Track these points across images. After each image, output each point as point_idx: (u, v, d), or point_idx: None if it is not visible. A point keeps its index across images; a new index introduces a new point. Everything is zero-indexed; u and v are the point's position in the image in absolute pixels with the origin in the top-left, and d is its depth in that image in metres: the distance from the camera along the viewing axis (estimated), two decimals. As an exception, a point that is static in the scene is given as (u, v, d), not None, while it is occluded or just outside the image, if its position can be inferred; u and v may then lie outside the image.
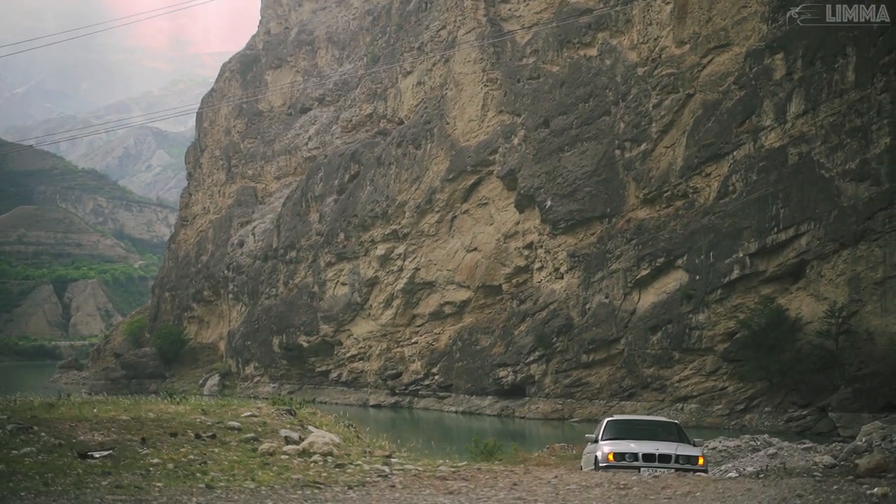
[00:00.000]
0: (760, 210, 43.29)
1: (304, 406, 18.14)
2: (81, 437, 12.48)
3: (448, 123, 62.88)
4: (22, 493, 9.28)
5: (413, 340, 63.61)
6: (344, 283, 68.70)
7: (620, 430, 19.19)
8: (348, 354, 67.98)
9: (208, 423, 14.32)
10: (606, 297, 49.82)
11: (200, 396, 66.05)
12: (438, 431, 44.76)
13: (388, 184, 66.27)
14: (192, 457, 11.84)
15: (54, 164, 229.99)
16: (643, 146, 49.28)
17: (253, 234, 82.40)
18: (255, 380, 76.52)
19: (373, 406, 62.67)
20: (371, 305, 66.34)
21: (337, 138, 76.99)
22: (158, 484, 9.87)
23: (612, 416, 21.06)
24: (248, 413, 15.52)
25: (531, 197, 55.41)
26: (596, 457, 17.77)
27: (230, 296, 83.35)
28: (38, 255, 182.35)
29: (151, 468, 10.91)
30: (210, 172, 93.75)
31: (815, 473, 16.24)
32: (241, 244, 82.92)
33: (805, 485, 11.23)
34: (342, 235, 68.96)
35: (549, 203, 53.83)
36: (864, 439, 17.87)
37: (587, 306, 50.79)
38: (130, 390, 76.77)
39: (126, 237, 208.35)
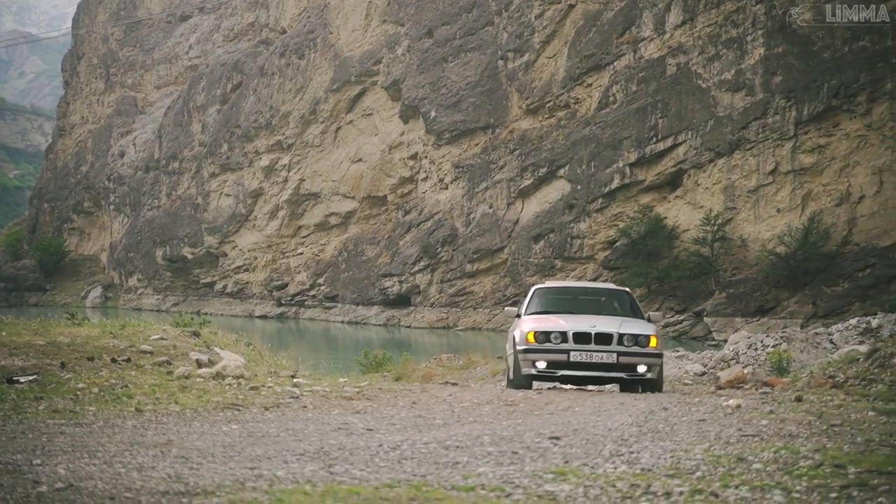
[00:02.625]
0: (640, 120, 44.10)
1: (204, 325, 18.55)
2: (2, 363, 12.79)
3: (331, 33, 62.41)
4: None
5: (298, 251, 63.73)
6: (228, 195, 68.28)
7: (551, 302, 15.33)
8: (233, 266, 67.83)
9: (121, 347, 14.69)
10: (490, 207, 50.46)
11: (84, 309, 65.40)
12: (325, 342, 45.01)
13: (271, 94, 65.71)
14: (113, 380, 12.30)
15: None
16: (526, 57, 49.64)
17: (134, 144, 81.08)
18: (139, 292, 75.95)
19: (258, 317, 62.71)
20: (256, 216, 66.16)
21: (219, 47, 75.87)
22: (90, 408, 10.32)
23: (542, 283, 16.83)
24: (157, 336, 15.97)
25: (415, 108, 55.53)
26: (514, 337, 14.27)
27: (111, 207, 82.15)
28: None
29: (78, 392, 11.37)
30: (88, 81, 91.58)
31: (685, 382, 17.16)
32: (122, 155, 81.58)
33: (671, 398, 12.19)
34: (226, 146, 68.34)
35: (433, 114, 54.04)
36: (731, 348, 18.74)
37: (471, 216, 51.40)
38: (10, 303, 75.64)
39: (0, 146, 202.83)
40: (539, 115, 49.21)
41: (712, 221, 40.93)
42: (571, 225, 46.41)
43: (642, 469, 6.78)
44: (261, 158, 65.51)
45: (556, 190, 47.60)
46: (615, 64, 45.75)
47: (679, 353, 20.62)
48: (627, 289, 16.32)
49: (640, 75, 44.48)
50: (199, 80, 73.74)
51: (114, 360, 13.51)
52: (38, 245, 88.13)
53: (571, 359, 13.47)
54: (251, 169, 66.33)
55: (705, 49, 42.25)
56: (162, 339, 15.64)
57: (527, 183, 48.56)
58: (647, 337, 13.55)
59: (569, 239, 46.49)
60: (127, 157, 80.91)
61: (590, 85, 46.96)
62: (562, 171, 47.28)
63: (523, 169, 48.75)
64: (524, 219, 48.78)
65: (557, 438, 8.17)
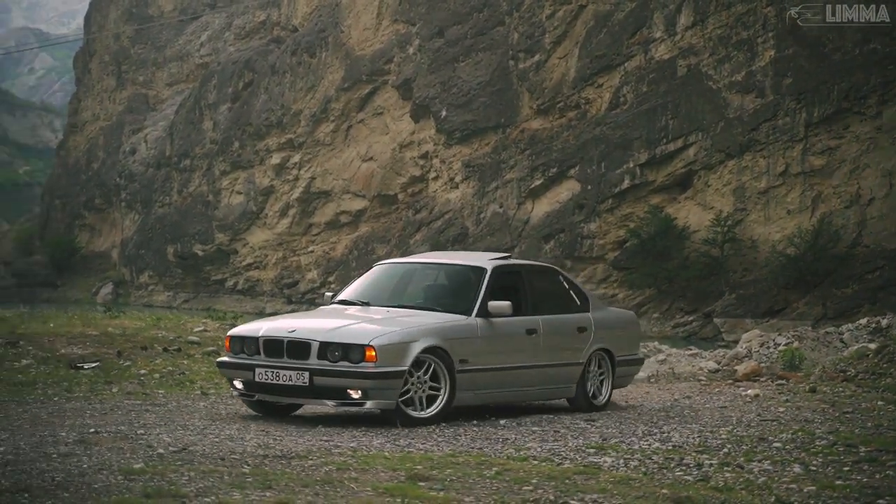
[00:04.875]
0: (650, 121, 44.42)
1: (238, 319, 19.68)
2: (63, 351, 13.52)
3: (343, 32, 62.77)
4: (55, 399, 10.39)
5: (309, 249, 64.07)
6: (239, 192, 68.61)
7: (375, 284, 11.50)
8: (244, 263, 68.19)
9: (170, 338, 15.57)
10: (500, 207, 50.79)
11: (94, 305, 65.88)
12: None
13: (282, 92, 66.08)
14: (169, 368, 13.14)
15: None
16: (537, 57, 49.96)
17: (145, 141, 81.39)
18: (150, 288, 76.33)
19: (270, 314, 62.91)
20: (267, 214, 66.49)
21: (230, 45, 76.26)
22: (160, 391, 11.13)
23: (391, 258, 14.43)
24: (199, 328, 16.81)
25: (426, 107, 55.88)
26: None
27: (123, 204, 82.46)
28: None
29: (142, 378, 12.17)
30: (100, 78, 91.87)
31: (700, 378, 17.53)
32: (134, 152, 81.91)
33: (692, 388, 12.76)
34: (237, 144, 68.68)
35: (443, 113, 54.38)
36: (744, 346, 19.08)
37: (482, 215, 51.74)
38: (21, 299, 75.71)
39: (10, 142, 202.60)
40: (550, 116, 49.52)
41: (722, 223, 41.22)
42: (581, 225, 46.70)
43: (674, 446, 7.57)
44: (272, 156, 65.86)
45: (567, 190, 47.90)
46: (626, 65, 46.07)
47: (692, 352, 21.07)
48: (491, 265, 11.04)
49: (651, 76, 44.81)
50: (211, 77, 74.12)
51: (165, 350, 14.33)
52: (49, 241, 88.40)
53: (257, 378, 9.86)
54: (262, 167, 66.66)
55: (716, 51, 42.57)
56: (205, 330, 16.37)
57: (537, 183, 48.86)
58: (362, 348, 9.48)
59: (579, 239, 46.80)
60: (138, 155, 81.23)
61: (600, 86, 47.27)
62: (572, 172, 47.58)
63: (533, 169, 49.06)
64: (534, 218, 49.08)
65: (592, 420, 9.02)
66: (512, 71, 51.40)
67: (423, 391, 9.70)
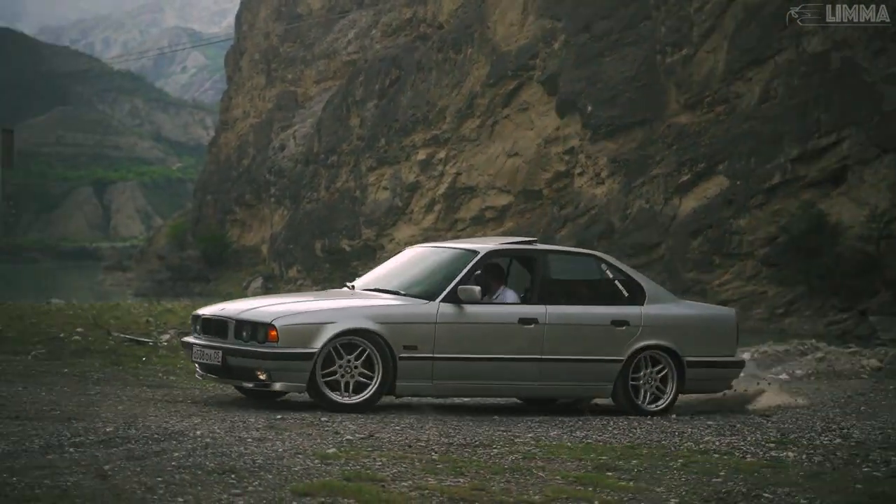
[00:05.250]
0: (802, 115, 43.48)
1: None
2: None
3: (488, 28, 62.94)
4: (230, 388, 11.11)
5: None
6: (385, 188, 69.41)
7: (388, 268, 11.44)
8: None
9: None
10: (647, 203, 50.31)
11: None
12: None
13: (428, 89, 66.60)
14: None
15: (90, 65, 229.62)
16: (684, 51, 49.35)
17: (294, 138, 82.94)
18: (299, 283, 77.66)
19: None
20: (412, 210, 67.13)
21: (377, 42, 77.17)
22: None
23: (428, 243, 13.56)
24: None
25: (572, 102, 55.68)
26: None
27: (272, 199, 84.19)
28: (77, 157, 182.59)
29: None
30: (250, 76, 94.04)
31: (862, 376, 17.27)
32: (283, 148, 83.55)
33: (864, 385, 12.79)
34: (383, 140, 69.49)
35: (589, 108, 54.11)
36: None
37: (627, 211, 51.33)
38: (175, 293, 78.27)
39: (163, 139, 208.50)
40: (697, 110, 48.87)
41: (878, 219, 40.14)
42: (730, 221, 45.95)
43: (856, 442, 7.58)
44: (418, 152, 66.45)
45: (715, 185, 47.20)
46: (776, 58, 45.19)
47: (851, 349, 20.81)
48: (485, 249, 10.64)
49: (803, 69, 43.84)
50: (358, 74, 75.14)
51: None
52: (202, 236, 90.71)
53: (193, 356, 10.17)
54: (408, 163, 67.31)
55: (871, 43, 41.43)
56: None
57: (685, 178, 48.26)
58: (266, 327, 9.31)
59: (727, 235, 46.08)
60: (287, 151, 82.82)
61: (750, 79, 46.45)
62: (720, 167, 46.89)
63: (681, 164, 48.48)
64: (682, 214, 48.49)
65: (768, 416, 9.06)
66: (659, 65, 50.86)
67: (352, 376, 9.48)
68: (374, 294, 10.45)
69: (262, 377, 9.42)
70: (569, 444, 7.83)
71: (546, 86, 59.90)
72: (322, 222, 76.11)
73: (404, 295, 10.09)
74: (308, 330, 9.27)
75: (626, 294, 10.41)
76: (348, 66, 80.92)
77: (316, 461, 6.65)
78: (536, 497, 5.83)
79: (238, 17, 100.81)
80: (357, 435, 7.76)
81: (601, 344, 10.20)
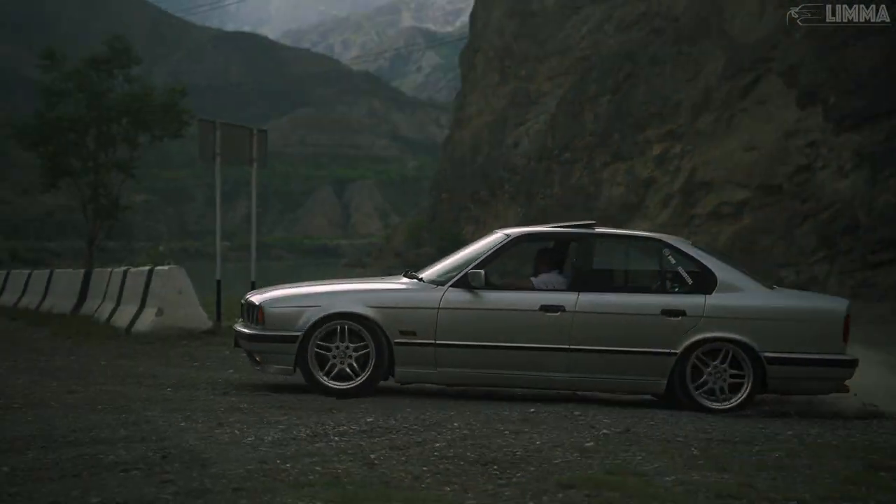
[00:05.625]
0: None
1: None
2: None
3: (725, 20, 61.76)
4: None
5: (692, 241, 63.54)
6: (619, 184, 69.06)
7: (462, 256, 10.39)
8: (625, 254, 68.48)
9: None
10: (895, 197, 48.34)
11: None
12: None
13: (662, 83, 65.91)
14: None
15: (330, 66, 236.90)
16: (935, 37, 47.18)
17: (527, 134, 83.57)
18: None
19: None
20: (648, 206, 66.53)
21: (610, 37, 76.91)
22: None
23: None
24: None
25: (813, 94, 53.99)
26: None
27: (506, 196, 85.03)
28: (318, 157, 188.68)
29: None
30: (484, 74, 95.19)
31: None
32: (516, 145, 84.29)
33: None
34: (617, 135, 69.19)
35: (832, 100, 52.35)
36: None
37: (874, 205, 49.44)
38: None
39: (399, 138, 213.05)
40: (949, 99, 46.66)
41: None
42: None
43: None
44: (652, 147, 65.83)
45: (969, 178, 45.03)
46: None
47: None
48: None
49: None
50: (591, 70, 75.04)
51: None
52: (438, 233, 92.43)
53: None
54: (642, 158, 66.78)
55: None
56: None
57: (935, 170, 46.18)
58: (256, 309, 9.49)
59: (982, 230, 43.86)
60: (521, 148, 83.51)
61: None
62: (975, 158, 44.68)
63: (931, 156, 46.41)
64: (932, 208, 46.43)
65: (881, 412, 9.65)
66: (907, 53, 48.77)
67: (343, 361, 9.33)
68: (388, 279, 10.53)
69: (258, 359, 9.61)
70: (833, 441, 7.74)
71: (785, 77, 58.63)
72: (556, 218, 74.35)
73: (421, 280, 9.81)
74: (290, 313, 9.36)
75: (689, 282, 9.57)
76: (581, 61, 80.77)
77: (575, 454, 6.73)
78: (807, 495, 5.69)
79: (472, 16, 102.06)
80: (613, 429, 7.78)
81: (647, 335, 9.38)
